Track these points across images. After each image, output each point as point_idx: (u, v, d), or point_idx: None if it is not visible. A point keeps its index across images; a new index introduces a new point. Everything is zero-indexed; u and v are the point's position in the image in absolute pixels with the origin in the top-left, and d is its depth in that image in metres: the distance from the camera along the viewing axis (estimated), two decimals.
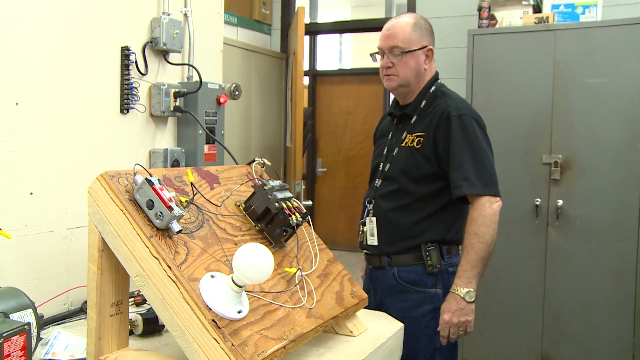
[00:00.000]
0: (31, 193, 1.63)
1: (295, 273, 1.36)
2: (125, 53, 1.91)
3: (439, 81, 2.12)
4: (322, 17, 6.46)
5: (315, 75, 6.75)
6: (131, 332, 1.48)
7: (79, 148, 1.78)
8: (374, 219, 2.08)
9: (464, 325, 1.92)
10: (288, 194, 1.42)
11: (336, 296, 1.45)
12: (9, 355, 1.10)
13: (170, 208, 1.16)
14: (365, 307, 2.20)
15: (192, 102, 2.12)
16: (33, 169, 1.64)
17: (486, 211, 1.90)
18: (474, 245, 1.89)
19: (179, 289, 1.12)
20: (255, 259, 1.11)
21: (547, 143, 3.37)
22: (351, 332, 1.49)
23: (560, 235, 3.36)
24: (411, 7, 4.73)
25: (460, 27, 3.95)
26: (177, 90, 2.07)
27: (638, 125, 3.18)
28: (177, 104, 2.07)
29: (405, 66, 2.02)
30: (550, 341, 3.41)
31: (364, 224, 2.12)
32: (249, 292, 1.22)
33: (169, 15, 2.04)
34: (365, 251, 2.16)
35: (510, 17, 3.62)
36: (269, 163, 1.57)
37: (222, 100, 2.20)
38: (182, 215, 1.18)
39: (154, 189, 1.17)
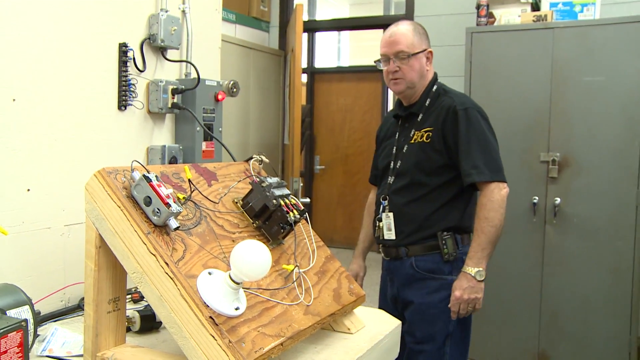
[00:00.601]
0: (28, 189, 1.63)
1: (292, 270, 1.36)
2: (123, 49, 1.90)
3: (438, 81, 2.24)
4: (321, 15, 6.46)
5: (313, 72, 6.75)
6: (128, 329, 1.48)
7: (77, 144, 1.77)
8: (390, 214, 2.20)
9: (474, 302, 2.06)
10: (286, 191, 1.42)
11: (334, 293, 1.45)
12: (5, 352, 1.10)
13: (167, 205, 1.16)
14: (382, 299, 2.34)
15: (190, 99, 2.11)
16: (30, 165, 1.63)
17: (495, 197, 2.04)
18: (484, 229, 2.04)
19: (176, 285, 1.12)
20: (252, 256, 1.11)
21: (545, 141, 3.38)
22: (348, 329, 1.50)
23: (557, 233, 3.37)
24: (409, 5, 4.73)
25: (458, 25, 3.96)
26: (175, 87, 2.06)
27: (636, 123, 3.19)
28: (175, 100, 2.07)
29: (411, 69, 2.15)
30: (548, 339, 3.42)
31: (380, 220, 2.23)
32: (247, 289, 1.22)
33: (166, 11, 2.04)
34: (381, 245, 2.27)
35: (508, 15, 3.62)
36: (266, 160, 1.56)
37: (220, 97, 2.20)
38: (180, 212, 1.18)
39: (152, 186, 1.17)
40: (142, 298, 1.76)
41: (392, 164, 2.22)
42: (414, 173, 2.15)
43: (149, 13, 2.02)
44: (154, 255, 1.14)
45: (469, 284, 2.04)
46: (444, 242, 2.12)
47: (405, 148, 2.19)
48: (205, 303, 1.11)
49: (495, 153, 2.10)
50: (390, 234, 2.20)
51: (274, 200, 1.36)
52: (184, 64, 2.19)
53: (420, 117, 2.18)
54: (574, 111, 3.31)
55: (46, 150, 1.68)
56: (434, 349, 2.14)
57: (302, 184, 5.01)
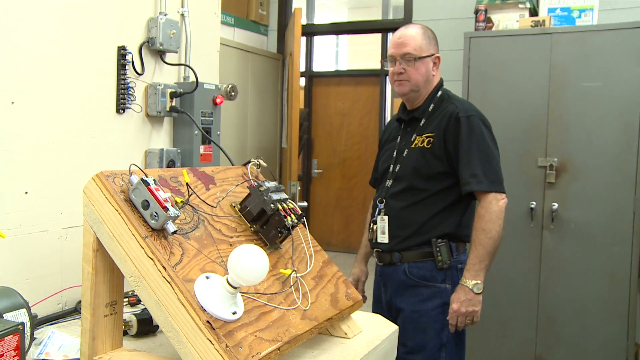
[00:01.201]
0: (26, 192, 1.63)
1: (290, 275, 1.35)
2: (122, 53, 1.90)
3: (443, 87, 2.25)
4: (319, 19, 6.48)
5: (311, 76, 6.76)
6: (125, 333, 1.48)
7: (75, 147, 1.77)
8: (385, 217, 2.18)
9: (471, 315, 2.04)
10: (284, 195, 1.42)
11: (331, 298, 1.45)
12: (2, 355, 1.10)
13: (165, 209, 1.16)
14: (376, 305, 2.31)
15: (188, 103, 2.11)
16: (28, 168, 1.63)
17: (493, 208, 2.03)
18: (482, 240, 2.02)
19: (173, 289, 1.12)
20: (250, 261, 1.11)
21: (543, 146, 3.39)
22: (346, 334, 1.50)
23: (554, 238, 3.37)
24: (408, 10, 4.75)
25: (456, 30, 3.97)
26: (173, 90, 2.06)
27: (633, 128, 3.19)
28: (173, 104, 2.07)
29: (417, 72, 2.15)
30: (544, 344, 3.42)
31: (374, 222, 2.22)
32: (244, 293, 1.21)
33: (165, 15, 2.04)
34: (376, 249, 2.25)
35: (506, 20, 3.64)
36: (264, 164, 1.57)
37: (218, 100, 2.20)
38: (178, 216, 1.18)
39: (150, 190, 1.17)
40: (139, 302, 1.76)
41: (391, 168, 2.22)
42: (412, 178, 2.14)
43: (148, 16, 2.03)
44: (151, 259, 1.14)
45: (466, 296, 2.03)
46: (438, 249, 2.10)
47: (405, 152, 2.18)
48: (202, 307, 1.11)
49: (495, 163, 2.09)
50: (383, 238, 2.18)
51: (272, 205, 1.36)
52: (183, 67, 2.19)
53: (422, 122, 2.18)
54: (572, 116, 3.32)
55: (44, 153, 1.68)
56: (426, 359, 2.11)
57: (299, 188, 5.01)
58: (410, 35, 2.14)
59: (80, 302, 1.37)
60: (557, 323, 3.39)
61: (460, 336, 2.16)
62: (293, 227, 1.39)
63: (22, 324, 1.15)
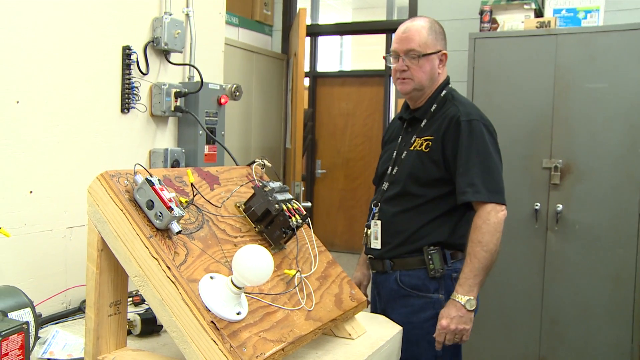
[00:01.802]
0: (31, 192, 1.63)
1: (294, 275, 1.35)
2: (127, 52, 1.90)
3: (449, 85, 2.10)
4: (323, 19, 6.47)
5: (315, 76, 6.76)
6: (129, 332, 1.48)
7: (79, 147, 1.77)
8: (378, 222, 2.06)
9: (461, 333, 1.89)
10: (288, 196, 1.42)
11: (335, 299, 1.45)
12: (6, 354, 1.10)
13: (170, 208, 1.16)
14: (373, 312, 2.18)
15: (192, 103, 2.11)
16: (33, 168, 1.63)
17: (491, 220, 1.89)
18: (477, 254, 1.88)
19: (178, 289, 1.11)
20: (254, 261, 1.11)
21: (547, 147, 3.37)
22: (350, 335, 1.49)
23: (559, 240, 3.36)
24: (413, 10, 4.74)
25: (461, 31, 3.95)
26: (178, 90, 2.06)
27: (638, 130, 3.18)
28: (178, 104, 2.07)
29: (421, 70, 2.01)
30: (548, 346, 3.41)
31: (368, 227, 2.11)
32: (248, 293, 1.21)
33: (170, 15, 2.04)
34: (369, 256, 2.14)
35: (511, 21, 3.62)
36: (269, 164, 1.56)
37: (222, 100, 2.20)
38: (182, 216, 1.18)
39: (154, 189, 1.17)
40: (142, 301, 1.76)
41: (389, 170, 2.10)
42: (407, 183, 2.02)
43: (153, 16, 2.03)
44: (155, 259, 1.14)
45: (457, 313, 1.87)
46: (430, 257, 1.96)
47: (404, 154, 2.06)
48: (206, 307, 1.11)
49: (496, 172, 1.95)
50: (376, 243, 2.07)
51: (276, 205, 1.36)
52: (187, 67, 2.19)
53: (423, 123, 2.05)
54: (577, 118, 3.31)
55: (49, 152, 1.68)
56: None
57: (303, 188, 5.01)
58: (416, 30, 2.00)
59: (84, 301, 1.37)
60: (561, 325, 3.37)
61: (456, 347, 2.02)
62: (297, 227, 1.39)
63: (27, 323, 1.16)
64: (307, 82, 6.68)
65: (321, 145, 6.83)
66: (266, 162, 1.56)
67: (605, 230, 3.26)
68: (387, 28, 6.05)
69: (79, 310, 1.70)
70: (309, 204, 4.27)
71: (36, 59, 1.63)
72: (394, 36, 2.06)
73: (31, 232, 1.63)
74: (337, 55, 8.16)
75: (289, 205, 1.39)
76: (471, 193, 1.90)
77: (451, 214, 2.00)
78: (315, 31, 5.97)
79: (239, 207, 1.42)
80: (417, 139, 2.03)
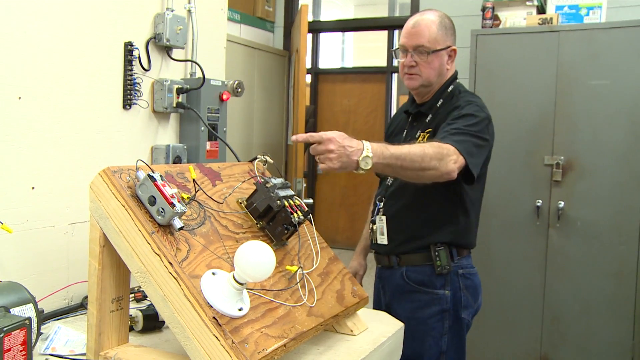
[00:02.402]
0: (33, 187, 1.63)
1: (296, 271, 1.35)
2: (129, 48, 1.90)
3: (457, 81, 2.07)
4: (325, 15, 6.46)
5: (317, 73, 6.75)
6: (131, 329, 1.48)
7: (81, 143, 1.78)
8: (383, 217, 2.05)
9: (325, 156, 1.57)
10: (290, 192, 1.42)
11: (337, 295, 1.45)
12: (9, 350, 1.10)
13: (172, 204, 1.16)
14: (376, 307, 2.22)
15: (194, 99, 2.11)
16: (35, 164, 1.63)
17: (444, 151, 1.70)
18: (415, 152, 1.66)
19: (180, 285, 1.12)
20: (256, 257, 1.11)
21: (549, 144, 3.37)
22: (351, 331, 1.49)
23: (560, 236, 3.36)
24: (415, 7, 4.73)
25: (463, 27, 3.93)
26: (180, 86, 2.06)
27: None
28: (180, 100, 2.07)
29: (429, 66, 1.97)
30: (550, 343, 3.41)
31: (374, 222, 2.10)
32: (250, 289, 1.21)
33: (172, 11, 2.04)
34: (374, 251, 2.14)
35: (514, 18, 3.62)
36: (271, 160, 1.56)
37: (224, 97, 2.20)
38: (184, 212, 1.18)
39: (156, 185, 1.17)
40: (144, 297, 1.76)
41: None
42: None
43: (155, 12, 2.02)
44: (157, 254, 1.14)
45: (355, 147, 1.63)
46: (436, 254, 1.96)
47: None
48: (208, 303, 1.11)
49: (477, 142, 1.82)
50: (382, 239, 2.05)
51: (278, 201, 1.36)
52: (189, 63, 2.19)
53: (429, 117, 2.01)
54: (579, 114, 3.30)
55: (51, 148, 1.68)
56: None
57: (305, 185, 5.01)
58: (426, 25, 1.95)
59: (86, 297, 1.37)
60: (563, 322, 3.38)
61: (461, 343, 2.03)
62: (299, 223, 1.39)
63: (29, 318, 1.16)
64: (308, 78, 6.67)
65: None
66: (268, 159, 1.56)
67: (606, 227, 3.26)
68: (389, 25, 6.05)
69: (81, 306, 1.71)
70: (311, 200, 4.27)
71: (38, 55, 1.63)
72: (403, 30, 2.01)
73: (33, 228, 1.63)
74: (339, 51, 8.15)
75: (291, 202, 1.39)
76: (448, 136, 1.78)
77: (457, 210, 1.98)
78: (317, 28, 5.96)
79: (240, 203, 1.42)
80: (422, 134, 2.00)
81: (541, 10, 3.65)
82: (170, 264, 1.13)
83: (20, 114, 1.59)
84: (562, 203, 3.33)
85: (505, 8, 3.69)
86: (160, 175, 1.20)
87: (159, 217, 1.17)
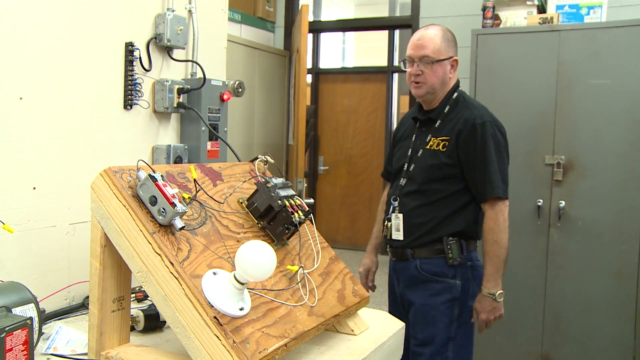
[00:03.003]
0: (34, 188, 1.63)
1: (297, 271, 1.36)
2: (130, 49, 1.90)
3: (460, 88, 2.27)
4: (326, 15, 6.46)
5: (318, 73, 6.75)
6: (132, 328, 1.48)
7: (82, 143, 1.78)
8: (400, 215, 2.23)
9: (497, 319, 2.19)
10: (291, 192, 1.42)
11: (338, 294, 1.45)
12: (10, 350, 1.11)
13: (173, 204, 1.16)
14: (391, 296, 2.40)
15: (195, 99, 2.11)
16: (36, 164, 1.64)
17: (499, 218, 2.12)
18: (496, 251, 2.13)
19: (181, 285, 1.12)
20: (257, 257, 1.11)
21: (550, 144, 3.37)
22: (352, 330, 1.49)
23: (561, 236, 3.36)
24: (415, 7, 4.73)
25: (464, 27, 3.95)
26: (180, 86, 2.06)
27: None
28: (181, 100, 2.07)
29: (434, 75, 2.17)
30: (551, 342, 3.41)
31: (389, 220, 2.27)
32: (251, 289, 1.22)
33: (173, 11, 2.04)
34: (388, 245, 2.32)
35: (514, 17, 3.62)
36: (272, 160, 1.56)
37: (225, 97, 2.20)
38: (185, 212, 1.18)
39: (157, 185, 1.17)
40: (145, 297, 1.76)
41: (405, 166, 2.26)
42: (425, 179, 2.19)
43: (156, 12, 2.03)
44: (159, 254, 1.14)
45: (492, 305, 2.14)
46: (449, 247, 2.15)
47: (420, 152, 2.22)
48: (209, 303, 1.11)
49: (504, 170, 2.15)
50: (398, 235, 2.24)
51: (279, 201, 1.36)
52: (190, 63, 2.19)
53: (438, 123, 2.21)
54: (580, 114, 3.30)
55: (52, 149, 1.68)
56: (435, 351, 2.17)
57: (306, 185, 5.01)
58: (429, 38, 2.16)
59: (87, 297, 1.38)
60: (564, 321, 3.38)
61: (468, 331, 2.23)
62: (300, 223, 1.39)
63: (31, 318, 1.16)
64: (309, 78, 6.68)
65: (324, 142, 6.83)
66: (269, 159, 1.56)
67: (607, 227, 3.25)
68: (389, 24, 6.05)
69: (82, 306, 1.71)
70: (312, 200, 4.27)
71: (39, 55, 1.64)
72: (409, 43, 2.21)
73: (34, 228, 1.64)
74: (339, 51, 8.15)
75: (292, 202, 1.39)
76: (489, 190, 2.11)
77: (466, 208, 2.18)
78: (317, 28, 5.96)
79: (241, 203, 1.42)
80: (433, 139, 2.20)
81: (542, 9, 3.65)
82: (172, 263, 1.13)
83: (21, 115, 1.59)
84: (563, 202, 3.33)
85: (506, 7, 3.69)
86: (161, 175, 1.20)
87: (160, 217, 1.17)
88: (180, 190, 1.26)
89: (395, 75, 6.60)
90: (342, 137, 6.77)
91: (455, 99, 2.22)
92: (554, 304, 3.39)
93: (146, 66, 1.99)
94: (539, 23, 3.45)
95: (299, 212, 1.39)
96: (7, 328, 1.10)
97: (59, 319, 1.61)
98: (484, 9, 3.65)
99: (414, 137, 2.29)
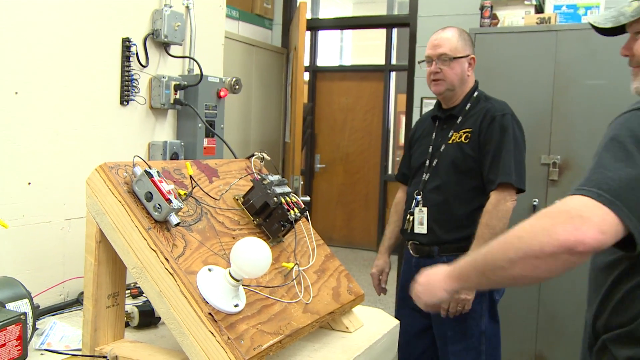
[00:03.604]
0: (29, 183, 1.63)
1: (292, 268, 1.36)
2: (127, 44, 1.90)
3: (479, 88, 2.32)
4: (324, 13, 6.46)
5: (315, 71, 6.75)
6: (127, 324, 1.48)
7: (78, 139, 1.77)
8: (424, 209, 2.24)
9: (463, 303, 2.10)
10: (287, 189, 1.42)
11: (333, 292, 1.45)
12: (4, 345, 1.10)
13: (168, 200, 1.16)
14: (405, 295, 2.28)
15: (192, 95, 2.11)
16: (32, 159, 1.63)
17: (500, 205, 2.09)
18: (485, 235, 2.04)
19: (176, 281, 1.12)
20: (252, 253, 1.11)
21: (546, 143, 3.38)
22: (347, 328, 1.50)
23: None
24: (413, 5, 4.73)
25: (462, 26, 3.91)
26: (177, 82, 2.06)
27: None
28: (177, 96, 2.07)
29: (452, 72, 2.22)
30: (545, 341, 3.42)
31: (412, 214, 2.27)
32: (246, 286, 1.22)
33: (170, 7, 2.04)
34: (412, 241, 2.30)
35: (512, 17, 3.62)
36: (268, 158, 1.56)
37: (222, 94, 2.20)
38: (181, 208, 1.18)
39: (153, 181, 1.17)
40: (140, 293, 1.76)
41: (427, 162, 2.28)
42: (450, 172, 2.20)
43: (153, 8, 2.02)
44: (154, 250, 1.14)
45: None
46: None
47: (442, 147, 2.24)
48: (204, 299, 1.11)
49: (520, 160, 2.17)
50: (421, 228, 2.24)
51: (275, 198, 1.36)
52: (187, 60, 2.19)
53: (459, 119, 2.25)
54: (576, 114, 3.31)
55: (47, 144, 1.68)
56: (469, 346, 2.18)
57: (302, 182, 5.01)
58: (446, 37, 2.23)
59: (82, 293, 1.37)
60: (558, 320, 3.38)
61: (496, 322, 2.27)
62: (296, 220, 1.39)
63: (25, 314, 1.16)
64: (307, 76, 6.67)
65: (320, 140, 6.83)
66: (265, 156, 1.56)
67: None
68: (387, 23, 6.05)
69: (77, 302, 1.71)
70: (308, 198, 4.27)
71: (36, 50, 1.63)
72: (428, 44, 2.29)
73: (29, 223, 1.63)
74: (337, 49, 8.14)
75: (288, 199, 1.39)
76: (501, 176, 2.09)
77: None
78: (315, 25, 5.96)
79: (237, 199, 1.42)
80: (455, 133, 2.24)
81: (539, 9, 3.66)
82: (167, 260, 1.13)
83: (16, 109, 1.58)
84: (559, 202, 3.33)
85: (504, 7, 3.69)
86: (157, 172, 1.20)
87: (156, 213, 1.17)
88: (176, 186, 1.26)
89: (393, 74, 6.60)
90: (339, 135, 6.77)
91: (477, 97, 2.27)
92: (548, 302, 3.40)
93: (143, 62, 1.99)
94: (537, 23, 3.45)
95: (295, 209, 1.39)
96: (1, 323, 1.10)
97: (53, 315, 1.61)
98: (482, 8, 3.65)
99: (434, 135, 2.31)
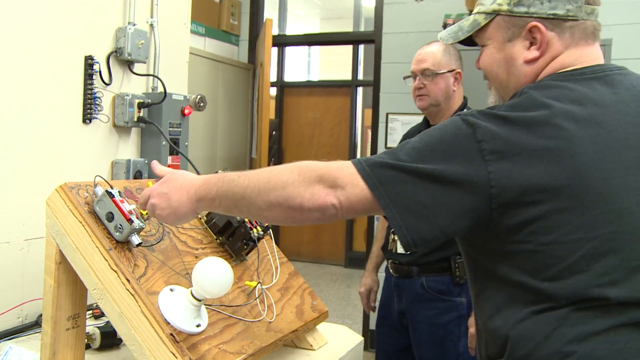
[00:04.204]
0: None
1: (255, 287, 1.36)
2: (89, 62, 1.89)
3: (468, 105, 2.28)
4: (291, 29, 6.51)
5: (283, 86, 6.78)
6: (88, 346, 1.46)
7: (39, 157, 1.75)
8: None
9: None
10: None
11: (296, 310, 1.46)
12: None
13: (130, 221, 1.15)
14: (384, 314, 2.34)
15: (156, 113, 2.10)
16: None
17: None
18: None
19: (137, 302, 1.11)
20: (214, 273, 1.12)
21: None
22: (311, 345, 1.50)
23: None
24: (378, 23, 4.81)
25: (426, 42, 4.04)
26: (141, 100, 2.05)
27: None
28: (141, 114, 2.06)
29: (436, 87, 2.18)
30: None
31: (394, 233, 2.23)
32: (209, 305, 1.22)
33: (134, 25, 2.03)
34: (392, 261, 2.27)
35: None
36: None
37: (186, 111, 2.20)
38: (143, 228, 1.18)
39: (114, 201, 1.17)
40: (103, 314, 1.73)
41: None
42: None
43: (117, 26, 2.02)
44: (115, 271, 1.13)
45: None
46: (456, 265, 2.12)
47: None
48: (166, 320, 1.11)
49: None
50: (402, 248, 2.20)
51: (238, 217, 1.37)
52: (151, 77, 2.18)
53: None
54: None
55: (7, 162, 1.65)
56: None
57: None
58: (430, 52, 2.21)
59: (41, 315, 1.35)
60: None
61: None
62: (259, 239, 1.40)
63: None
64: (274, 91, 6.69)
65: (288, 155, 6.84)
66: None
67: None
68: (354, 39, 6.12)
69: (36, 324, 1.67)
70: None
71: None
72: (413, 59, 2.25)
73: None
74: (304, 65, 8.20)
75: None
76: None
77: None
78: (282, 41, 5.99)
79: (200, 218, 1.42)
80: None
81: None
82: (128, 280, 1.12)
83: None
84: None
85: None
86: (119, 191, 1.20)
87: (117, 234, 1.16)
88: (138, 206, 1.26)
89: (360, 89, 6.67)
90: (306, 150, 6.79)
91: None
92: None
93: (106, 80, 1.98)
94: None
95: (258, 227, 1.39)
96: None
97: (10, 339, 1.57)
98: (445, 25, 3.74)
99: None
